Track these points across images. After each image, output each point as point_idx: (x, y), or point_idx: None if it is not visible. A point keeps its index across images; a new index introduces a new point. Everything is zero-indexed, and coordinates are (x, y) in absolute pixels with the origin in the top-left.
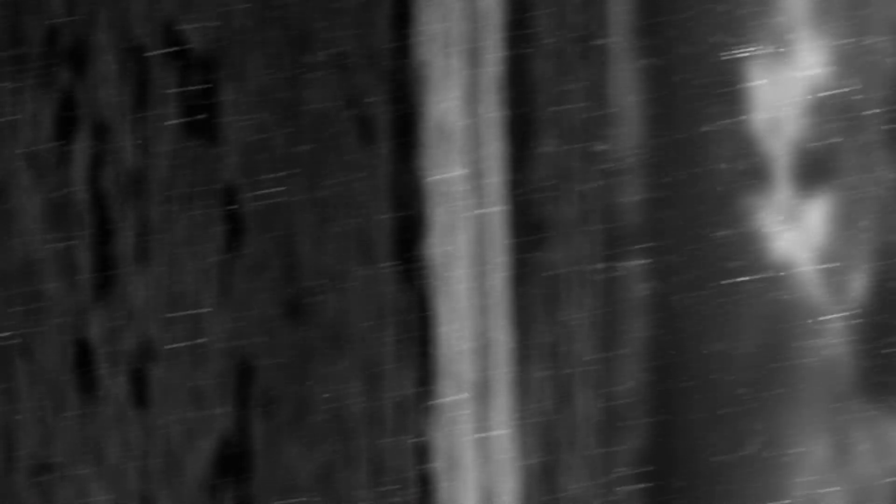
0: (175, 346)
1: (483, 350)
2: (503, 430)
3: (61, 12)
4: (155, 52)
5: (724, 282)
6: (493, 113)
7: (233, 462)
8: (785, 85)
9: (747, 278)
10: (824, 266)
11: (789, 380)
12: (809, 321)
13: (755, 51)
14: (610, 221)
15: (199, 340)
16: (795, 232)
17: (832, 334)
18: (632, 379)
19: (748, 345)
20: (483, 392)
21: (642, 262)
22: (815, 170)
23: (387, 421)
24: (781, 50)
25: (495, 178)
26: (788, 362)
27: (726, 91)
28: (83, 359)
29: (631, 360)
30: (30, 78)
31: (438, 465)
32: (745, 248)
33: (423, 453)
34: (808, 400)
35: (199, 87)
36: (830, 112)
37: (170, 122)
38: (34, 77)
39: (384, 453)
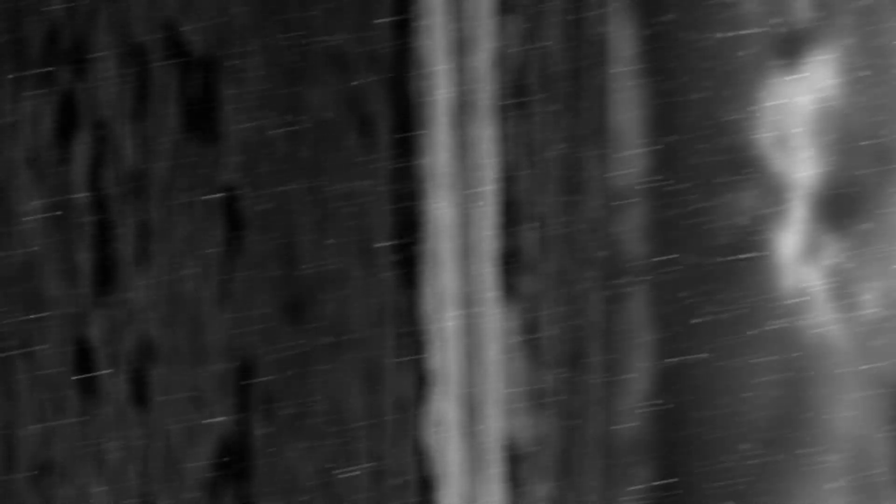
0: (175, 345)
1: (479, 354)
2: (496, 433)
3: (61, 12)
4: (155, 52)
5: (736, 318)
6: (488, 120)
7: (233, 462)
8: (800, 112)
9: (763, 317)
10: (843, 304)
11: (807, 434)
12: (829, 367)
13: (769, 76)
14: (614, 250)
15: (199, 340)
16: (813, 268)
17: (855, 385)
18: (635, 416)
19: (761, 395)
20: (476, 395)
21: (647, 293)
22: (835, 204)
23: (386, 421)
24: (798, 76)
25: (493, 183)
26: (806, 413)
27: (741, 120)
28: (83, 359)
29: (634, 398)
30: (30, 78)
31: (437, 465)
32: (760, 284)
33: (422, 454)
34: (829, 460)
35: (199, 87)
36: (850, 143)
37: (170, 123)
38: (34, 77)
39: (384, 454)
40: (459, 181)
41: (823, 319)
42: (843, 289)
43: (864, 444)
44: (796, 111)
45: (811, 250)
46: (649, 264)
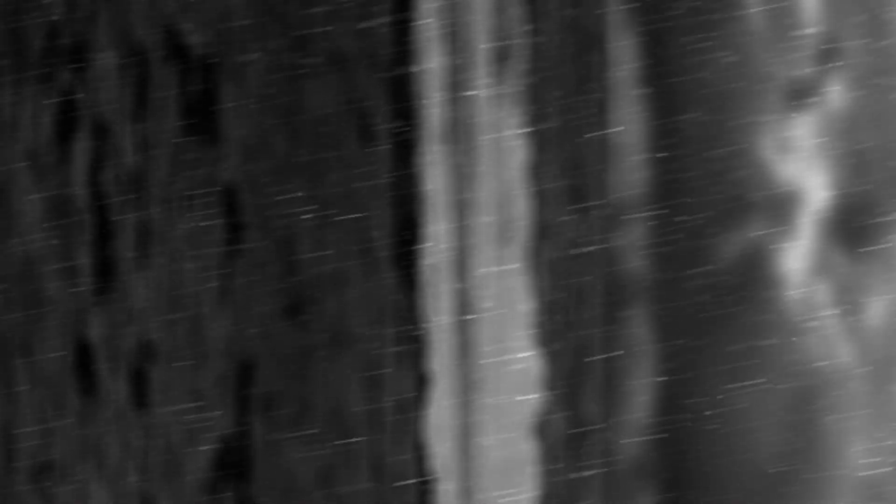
0: (175, 346)
1: (479, 355)
2: (493, 433)
3: (61, 12)
4: (155, 52)
5: (740, 344)
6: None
7: (233, 462)
8: (809, 127)
9: (768, 340)
10: (852, 323)
11: (817, 463)
12: (840, 391)
13: (778, 90)
14: (615, 268)
15: (199, 340)
16: (822, 288)
17: (866, 410)
18: (636, 440)
19: (769, 422)
20: (472, 394)
21: (648, 317)
22: (845, 223)
23: (387, 422)
24: (807, 90)
25: (491, 186)
26: (817, 441)
27: (748, 136)
28: (83, 359)
29: (635, 420)
30: (30, 78)
31: (438, 467)
32: (767, 304)
33: (422, 454)
34: (841, 492)
35: (200, 87)
36: (861, 160)
37: (170, 123)
38: (34, 77)
39: (384, 454)
40: (459, 181)
41: (832, 339)
42: (852, 308)
43: (876, 479)
44: (805, 127)
45: (820, 270)
46: (652, 283)
